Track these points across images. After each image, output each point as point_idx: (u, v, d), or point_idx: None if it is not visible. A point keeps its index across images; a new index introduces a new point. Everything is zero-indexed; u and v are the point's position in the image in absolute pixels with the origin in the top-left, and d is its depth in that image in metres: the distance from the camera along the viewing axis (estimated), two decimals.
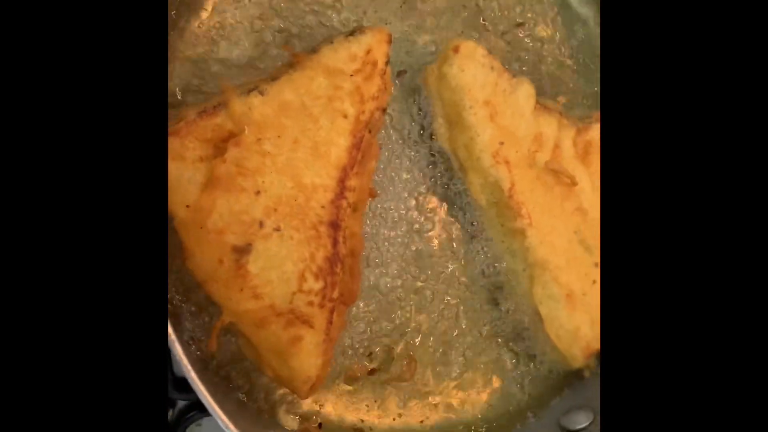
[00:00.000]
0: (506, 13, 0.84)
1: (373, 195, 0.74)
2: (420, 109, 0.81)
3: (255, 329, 0.65)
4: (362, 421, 0.79)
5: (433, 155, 0.81)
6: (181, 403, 0.81)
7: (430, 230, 0.81)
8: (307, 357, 0.66)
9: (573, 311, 0.77)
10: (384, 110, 0.71)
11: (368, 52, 0.67)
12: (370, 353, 0.79)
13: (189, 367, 0.64)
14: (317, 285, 0.66)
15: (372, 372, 0.78)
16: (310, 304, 0.66)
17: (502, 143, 0.75)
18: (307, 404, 0.77)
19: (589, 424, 0.78)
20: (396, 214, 0.80)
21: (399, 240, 0.80)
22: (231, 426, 0.64)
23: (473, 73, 0.75)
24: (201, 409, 0.80)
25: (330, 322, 0.67)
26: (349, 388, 0.78)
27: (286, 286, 0.65)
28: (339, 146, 0.67)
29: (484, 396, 0.82)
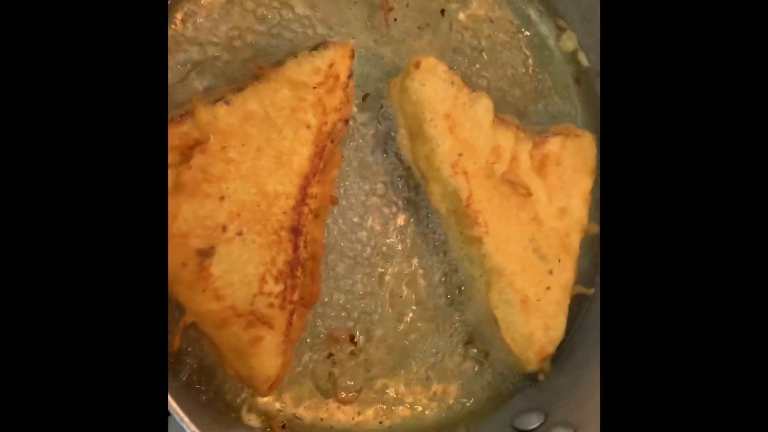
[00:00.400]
0: (471, 30, 0.88)
1: (334, 202, 0.77)
2: (384, 121, 0.84)
3: (216, 329, 0.68)
4: (321, 419, 0.81)
5: (395, 165, 0.85)
6: None
7: (392, 237, 0.84)
8: (267, 357, 0.69)
9: (528, 316, 0.81)
10: (347, 121, 0.75)
11: (331, 65, 0.71)
12: (331, 354, 0.82)
13: None
14: (277, 288, 0.69)
15: (353, 340, 0.81)
16: (271, 305, 0.69)
17: (460, 154, 0.79)
18: (269, 403, 0.80)
19: (540, 425, 0.82)
20: (359, 221, 0.83)
21: (361, 245, 0.83)
22: (186, 420, 0.66)
23: (434, 87, 0.78)
24: None
25: (290, 324, 0.71)
26: (309, 386, 0.81)
27: (248, 289, 0.68)
28: (301, 155, 0.70)
29: (441, 397, 0.85)
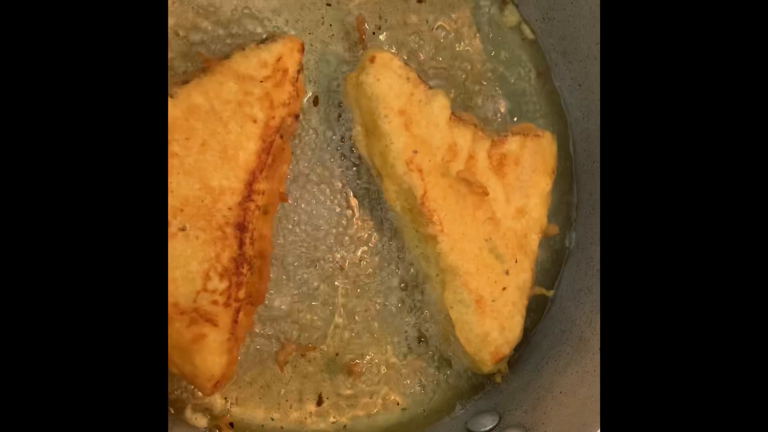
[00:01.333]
0: (429, 26, 0.88)
1: (283, 199, 0.77)
2: (340, 117, 0.84)
3: None
4: (272, 419, 0.81)
5: (351, 162, 0.84)
6: None
7: (348, 235, 0.84)
8: (211, 355, 0.69)
9: (482, 317, 0.81)
10: (297, 116, 0.74)
11: (279, 59, 0.70)
12: (280, 350, 0.81)
13: None
14: (222, 285, 0.69)
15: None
16: (215, 303, 0.68)
17: (415, 152, 0.78)
18: (216, 402, 0.79)
19: (494, 427, 0.81)
20: (314, 218, 0.83)
21: (316, 243, 0.83)
22: None
23: (389, 82, 0.78)
24: None
25: (235, 321, 0.70)
26: (260, 385, 0.80)
27: (191, 285, 0.68)
28: (248, 150, 0.69)
29: (396, 398, 0.85)
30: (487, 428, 0.82)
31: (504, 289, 0.82)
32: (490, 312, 0.82)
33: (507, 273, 0.83)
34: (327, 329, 0.83)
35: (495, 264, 0.82)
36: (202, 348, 0.68)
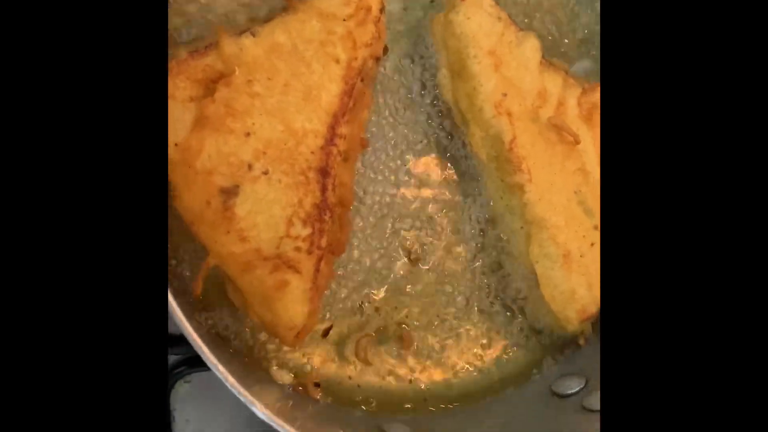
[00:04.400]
0: None
1: (364, 145, 0.77)
2: (422, 60, 0.83)
3: (240, 273, 0.69)
4: (350, 378, 0.82)
5: (434, 108, 0.84)
6: (169, 359, 0.84)
7: (427, 185, 0.84)
8: (293, 303, 0.70)
9: (569, 272, 0.80)
10: (378, 59, 0.74)
11: None
12: (360, 306, 0.82)
13: (183, 318, 0.65)
14: (305, 231, 0.69)
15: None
16: (298, 249, 0.69)
17: (505, 94, 0.77)
18: (295, 359, 0.81)
19: (580, 390, 0.81)
20: (392, 167, 0.83)
21: (394, 193, 0.83)
22: (229, 377, 0.66)
23: (479, 21, 0.77)
24: (190, 365, 0.84)
25: (317, 270, 0.71)
26: (334, 342, 0.81)
27: (273, 231, 0.69)
28: (330, 92, 0.70)
29: (476, 358, 0.85)
30: (574, 390, 0.82)
31: (592, 244, 0.81)
32: (577, 268, 0.80)
33: (596, 228, 0.81)
34: (402, 286, 0.84)
35: (584, 218, 0.81)
36: (284, 296, 0.69)
